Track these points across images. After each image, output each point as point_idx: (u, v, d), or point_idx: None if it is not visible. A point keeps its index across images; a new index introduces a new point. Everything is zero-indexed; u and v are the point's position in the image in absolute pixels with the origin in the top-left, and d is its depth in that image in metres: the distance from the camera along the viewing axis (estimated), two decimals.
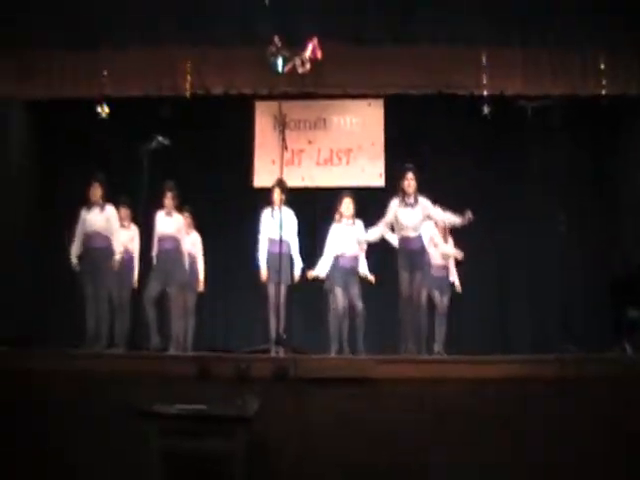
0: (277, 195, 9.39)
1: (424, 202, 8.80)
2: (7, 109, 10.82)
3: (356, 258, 9.41)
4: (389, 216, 8.84)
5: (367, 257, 9.68)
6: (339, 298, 9.27)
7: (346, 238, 9.36)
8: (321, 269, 9.58)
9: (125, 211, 9.99)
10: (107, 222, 9.42)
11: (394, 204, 8.80)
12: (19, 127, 11.18)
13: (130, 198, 9.72)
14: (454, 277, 10.21)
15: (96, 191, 9.37)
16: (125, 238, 9.91)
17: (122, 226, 9.84)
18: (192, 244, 10.28)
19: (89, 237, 9.36)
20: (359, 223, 9.42)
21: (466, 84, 10.46)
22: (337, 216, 9.51)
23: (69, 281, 9.57)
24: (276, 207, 9.30)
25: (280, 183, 9.37)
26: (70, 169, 11.41)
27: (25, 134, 11.32)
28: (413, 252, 8.74)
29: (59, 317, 10.71)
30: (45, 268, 11.11)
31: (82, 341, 9.02)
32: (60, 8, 9.04)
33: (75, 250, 9.33)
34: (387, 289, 9.77)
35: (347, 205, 9.41)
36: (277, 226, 8.84)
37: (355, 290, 9.31)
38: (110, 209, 9.48)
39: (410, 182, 8.76)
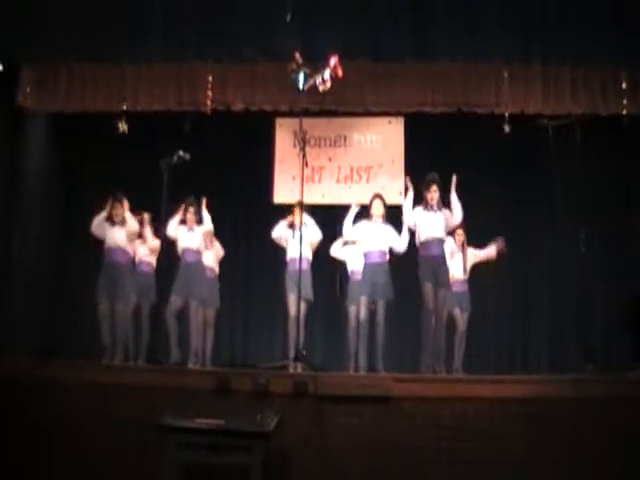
0: (297, 216, 9.56)
1: (447, 212, 8.87)
2: (28, 120, 10.85)
3: (384, 253, 9.36)
4: (409, 220, 9.01)
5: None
6: (362, 308, 9.20)
7: (375, 235, 9.32)
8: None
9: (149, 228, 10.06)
10: (128, 237, 9.65)
11: (417, 211, 8.93)
12: (40, 139, 11.20)
13: (153, 212, 9.80)
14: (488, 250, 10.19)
15: (118, 211, 9.54)
16: (148, 251, 10.02)
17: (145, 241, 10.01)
18: (213, 258, 10.31)
19: (110, 251, 9.48)
20: (389, 227, 9.41)
21: (486, 102, 10.47)
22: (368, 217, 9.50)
23: (89, 293, 9.62)
24: (297, 227, 9.42)
25: (299, 204, 9.48)
26: (91, 182, 11.50)
27: (46, 146, 11.34)
28: (434, 258, 8.76)
29: (79, 330, 10.74)
30: (66, 279, 11.17)
31: (101, 353, 9.09)
32: (82, 21, 9.09)
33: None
34: (408, 304, 9.78)
35: (377, 206, 9.39)
36: (297, 244, 8.87)
37: (380, 286, 9.17)
38: (132, 224, 9.66)
39: (433, 195, 8.85)
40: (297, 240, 9.01)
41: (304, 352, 8.50)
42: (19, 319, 10.05)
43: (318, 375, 7.06)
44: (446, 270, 8.91)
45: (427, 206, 8.90)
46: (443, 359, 8.94)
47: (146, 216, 10.02)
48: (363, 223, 9.42)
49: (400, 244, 9.32)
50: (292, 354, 8.76)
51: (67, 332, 10.89)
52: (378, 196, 9.52)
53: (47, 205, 11.28)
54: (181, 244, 9.75)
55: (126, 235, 9.58)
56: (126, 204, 9.64)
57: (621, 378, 7.57)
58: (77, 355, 9.24)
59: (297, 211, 9.63)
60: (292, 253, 9.56)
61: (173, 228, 9.70)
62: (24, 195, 10.64)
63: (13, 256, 10.28)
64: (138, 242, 9.99)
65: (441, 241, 8.91)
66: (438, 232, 8.85)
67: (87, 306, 9.86)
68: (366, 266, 9.27)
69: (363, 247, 9.39)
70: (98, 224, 9.57)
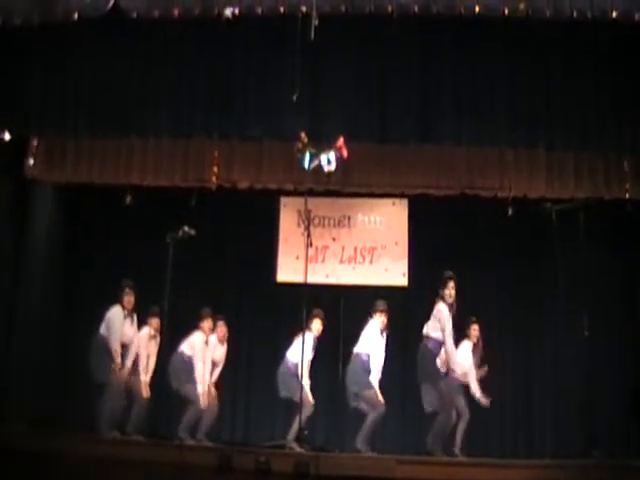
0: (315, 325, 9.67)
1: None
2: (35, 189, 10.95)
3: None
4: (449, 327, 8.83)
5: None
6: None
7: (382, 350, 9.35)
8: None
9: (156, 320, 10.05)
10: (135, 334, 9.88)
11: (446, 311, 8.81)
12: (46, 208, 11.25)
13: (152, 285, 9.79)
14: (477, 392, 9.95)
15: (130, 297, 9.74)
16: (151, 350, 10.10)
17: (153, 337, 10.09)
18: (221, 354, 10.33)
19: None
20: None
21: (490, 186, 10.54)
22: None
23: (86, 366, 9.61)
24: (309, 334, 9.44)
25: (320, 315, 9.71)
26: (95, 253, 11.57)
27: (52, 215, 11.37)
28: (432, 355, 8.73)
29: (79, 401, 10.59)
30: (68, 351, 11.10)
31: (97, 428, 9.03)
32: (92, 95, 9.22)
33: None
34: (412, 385, 9.71)
35: (380, 318, 9.41)
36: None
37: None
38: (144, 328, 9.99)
39: (451, 291, 8.80)
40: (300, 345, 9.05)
41: (306, 432, 8.44)
42: (19, 389, 10.00)
43: (320, 455, 6.98)
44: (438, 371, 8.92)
45: (447, 304, 8.84)
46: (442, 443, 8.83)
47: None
48: (376, 336, 9.37)
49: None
50: (293, 434, 8.70)
51: (66, 403, 10.74)
52: (383, 310, 9.51)
53: (51, 276, 11.27)
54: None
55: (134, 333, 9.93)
56: (133, 290, 9.81)
57: (626, 465, 7.47)
58: (76, 427, 9.17)
59: (317, 321, 9.75)
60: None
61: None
62: (28, 264, 10.69)
63: (16, 325, 10.29)
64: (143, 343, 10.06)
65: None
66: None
67: (86, 377, 9.79)
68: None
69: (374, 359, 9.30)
70: None
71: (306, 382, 9.41)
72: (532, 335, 11.47)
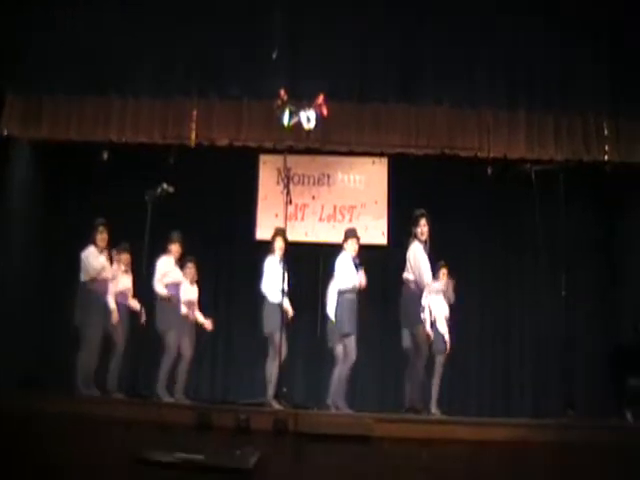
0: (278, 244, 9.45)
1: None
2: (13, 149, 10.81)
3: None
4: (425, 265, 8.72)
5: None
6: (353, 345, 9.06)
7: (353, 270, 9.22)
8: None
9: (126, 256, 10.01)
10: (110, 268, 9.63)
11: (420, 249, 8.74)
12: (23, 167, 11.13)
13: (131, 243, 9.76)
14: (445, 333, 10.01)
15: (103, 236, 9.47)
16: (125, 283, 9.98)
17: (125, 272, 9.93)
18: (194, 295, 10.22)
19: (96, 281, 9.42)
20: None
21: (469, 146, 10.50)
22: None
23: (68, 323, 9.51)
24: (277, 257, 9.35)
25: (281, 232, 9.45)
26: (73, 211, 11.48)
27: (29, 174, 11.26)
28: (412, 299, 8.68)
29: (60, 361, 10.54)
30: (46, 307, 11.05)
31: (76, 385, 8.99)
32: (71, 54, 9.13)
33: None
34: (389, 343, 9.75)
35: (352, 245, 9.32)
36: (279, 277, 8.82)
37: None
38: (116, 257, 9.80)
39: (423, 229, 8.75)
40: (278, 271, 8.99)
41: (284, 389, 8.47)
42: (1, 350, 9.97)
43: (299, 413, 7.01)
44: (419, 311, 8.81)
45: (421, 242, 8.78)
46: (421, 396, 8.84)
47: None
48: (349, 266, 9.27)
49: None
50: (271, 391, 8.72)
51: (48, 362, 10.71)
52: (355, 236, 9.45)
53: (29, 233, 11.18)
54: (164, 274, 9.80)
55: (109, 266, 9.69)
56: (107, 230, 9.65)
57: (603, 424, 7.56)
58: (57, 386, 9.16)
59: (278, 239, 9.51)
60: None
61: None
62: (6, 222, 10.62)
63: None
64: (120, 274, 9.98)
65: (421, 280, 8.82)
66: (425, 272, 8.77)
67: (67, 334, 9.73)
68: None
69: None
70: None
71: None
72: (511, 296, 11.55)
